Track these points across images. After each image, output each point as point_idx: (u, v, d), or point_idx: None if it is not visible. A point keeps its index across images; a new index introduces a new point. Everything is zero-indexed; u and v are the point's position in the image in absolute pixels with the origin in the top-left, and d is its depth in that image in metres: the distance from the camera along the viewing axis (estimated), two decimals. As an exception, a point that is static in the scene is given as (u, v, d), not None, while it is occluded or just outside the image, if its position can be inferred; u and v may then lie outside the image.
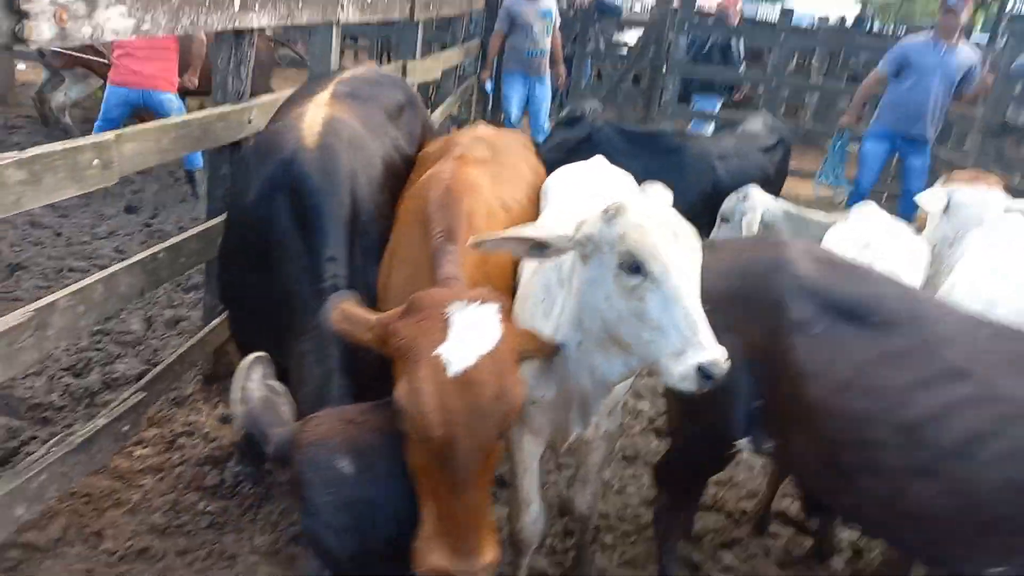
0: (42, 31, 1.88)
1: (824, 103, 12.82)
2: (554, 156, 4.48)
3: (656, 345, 1.80)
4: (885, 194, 8.31)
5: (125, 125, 5.93)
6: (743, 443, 2.33)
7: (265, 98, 3.63)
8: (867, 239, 3.24)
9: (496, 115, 9.99)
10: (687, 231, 1.89)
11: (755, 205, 3.82)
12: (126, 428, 2.98)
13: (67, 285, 4.53)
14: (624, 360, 1.97)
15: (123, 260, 2.95)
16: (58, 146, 2.21)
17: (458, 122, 9.95)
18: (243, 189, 2.61)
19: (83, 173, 2.32)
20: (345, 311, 1.92)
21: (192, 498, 3.21)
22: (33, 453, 3.09)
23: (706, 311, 1.78)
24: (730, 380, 1.82)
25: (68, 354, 4.07)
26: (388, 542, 1.75)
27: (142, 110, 6.16)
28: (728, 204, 3.98)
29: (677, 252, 1.83)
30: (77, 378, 3.91)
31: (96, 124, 6.04)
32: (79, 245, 5.48)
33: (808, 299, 2.20)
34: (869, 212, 3.47)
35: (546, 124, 8.89)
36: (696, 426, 2.48)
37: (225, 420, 3.74)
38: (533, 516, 2.50)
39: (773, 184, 4.83)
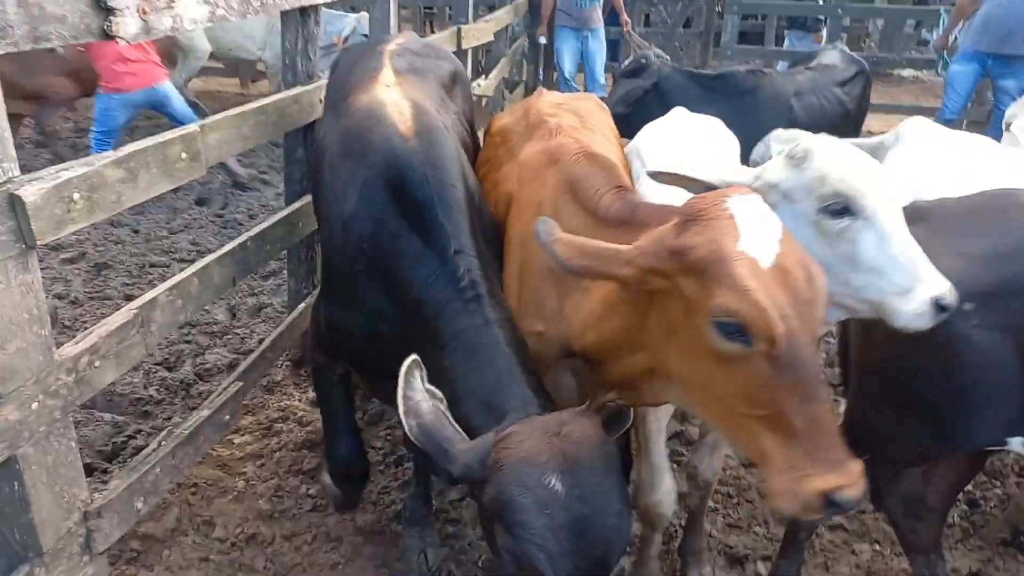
0: (128, 26, 1.86)
1: (890, 29, 12.15)
2: (620, 110, 4.33)
3: (873, 288, 1.72)
4: (964, 122, 7.87)
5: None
6: (1015, 443, 2.06)
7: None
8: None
9: (548, 73, 9.80)
10: (877, 165, 1.82)
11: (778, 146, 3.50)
12: (227, 418, 3.01)
13: (151, 281, 4.63)
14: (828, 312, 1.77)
15: (200, 253, 2.97)
16: (149, 142, 2.21)
17: (510, 85, 9.80)
18: (335, 200, 2.31)
19: (173, 167, 2.31)
20: (581, 245, 1.69)
21: (293, 482, 3.25)
22: (139, 446, 3.16)
23: (970, 310, 1.73)
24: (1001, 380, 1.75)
25: (160, 348, 4.15)
26: (601, 562, 1.60)
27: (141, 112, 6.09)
28: (754, 154, 3.69)
29: (881, 187, 1.75)
30: (171, 371, 3.99)
31: (94, 137, 5.86)
32: (157, 241, 5.58)
33: None
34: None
35: (602, 78, 8.66)
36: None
37: (317, 404, 3.77)
38: (667, 486, 2.42)
39: (853, 119, 4.59)
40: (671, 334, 1.66)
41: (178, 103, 6.00)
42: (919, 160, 2.87)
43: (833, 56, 5.08)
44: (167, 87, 5.97)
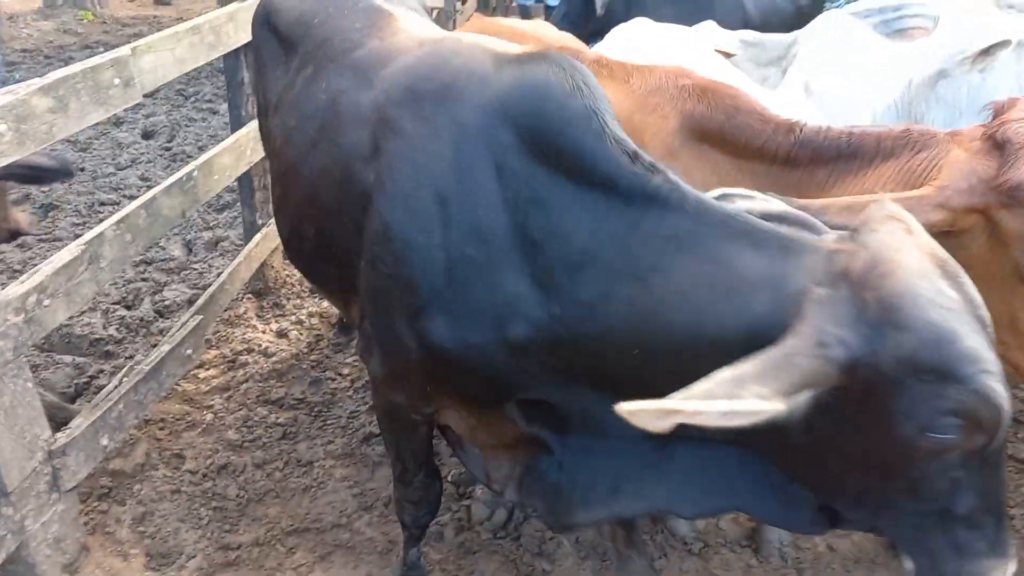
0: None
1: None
2: (569, 27, 4.21)
3: None
4: None
5: None
6: None
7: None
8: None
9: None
10: None
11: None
12: (189, 352, 2.99)
13: (101, 219, 4.50)
14: None
15: (150, 188, 2.88)
16: (77, 68, 2.10)
17: None
18: (410, 175, 1.65)
19: (106, 94, 2.21)
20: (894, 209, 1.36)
21: (262, 412, 3.25)
22: (102, 386, 3.13)
23: None
24: None
25: (117, 288, 4.07)
26: None
27: None
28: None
29: None
30: (130, 310, 3.92)
31: None
32: (104, 178, 5.40)
33: None
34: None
35: None
36: None
37: (281, 334, 3.75)
38: None
39: (808, 17, 4.54)
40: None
41: None
42: (827, 54, 2.86)
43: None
44: None
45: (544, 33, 3.09)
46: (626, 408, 1.11)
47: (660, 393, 1.16)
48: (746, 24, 3.80)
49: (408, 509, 2.24)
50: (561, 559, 2.60)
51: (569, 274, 1.52)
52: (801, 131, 1.90)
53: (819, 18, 3.19)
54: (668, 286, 1.42)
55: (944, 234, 1.54)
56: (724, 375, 1.15)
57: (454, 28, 8.17)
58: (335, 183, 1.84)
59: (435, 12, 7.25)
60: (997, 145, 1.57)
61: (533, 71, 1.59)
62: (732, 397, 1.09)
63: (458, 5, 8.77)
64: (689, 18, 3.57)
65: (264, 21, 2.50)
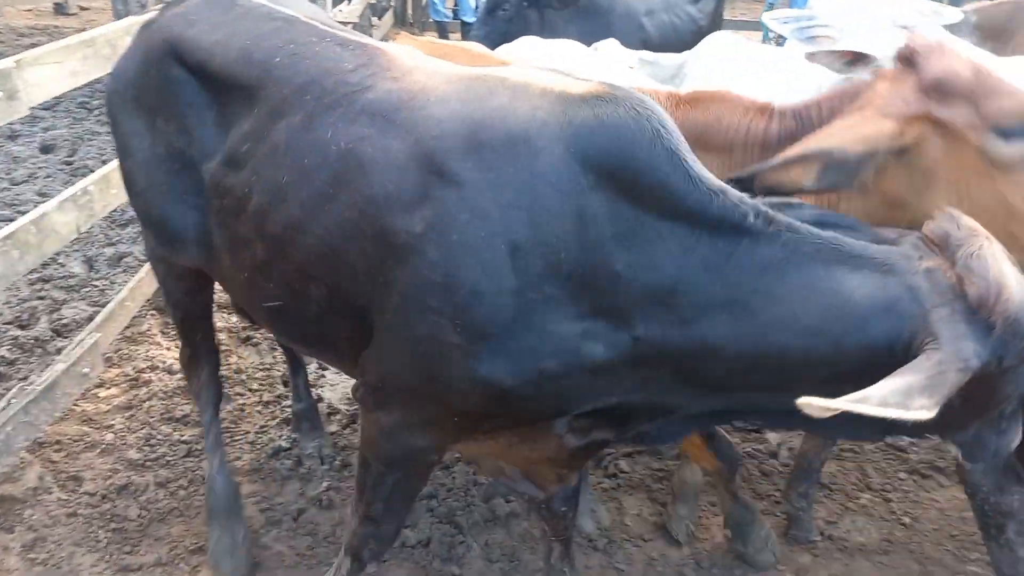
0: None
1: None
2: (490, 47, 4.31)
3: None
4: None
5: None
6: None
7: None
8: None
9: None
10: None
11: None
12: (86, 370, 2.91)
13: (-6, 235, 4.30)
14: None
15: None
16: (-46, 78, 2.04)
17: (378, 11, 9.52)
18: (467, 224, 1.63)
19: (-13, 106, 2.15)
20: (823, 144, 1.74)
21: (166, 430, 3.18)
22: (-7, 408, 3.01)
23: None
24: None
25: (10, 307, 3.91)
26: None
27: None
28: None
29: None
30: (24, 329, 3.77)
31: None
32: (-2, 193, 5.19)
33: None
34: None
35: (473, 2, 8.67)
36: None
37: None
38: None
39: (707, 34, 4.74)
40: (929, 182, 1.74)
41: None
42: (715, 75, 3.00)
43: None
44: None
45: (483, 53, 3.11)
46: (803, 402, 1.29)
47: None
48: (645, 44, 3.96)
49: (371, 546, 2.19)
50: (470, 562, 2.64)
51: (659, 299, 1.62)
52: (771, 113, 2.06)
53: (706, 39, 3.33)
54: (774, 310, 1.58)
55: (909, 156, 1.72)
56: (895, 387, 1.36)
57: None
58: (362, 237, 1.77)
59: (349, 27, 7.19)
60: (910, 61, 1.75)
61: (610, 115, 1.62)
62: (901, 406, 1.32)
63: (374, 20, 8.80)
64: (592, 38, 3.70)
65: (170, 56, 2.11)
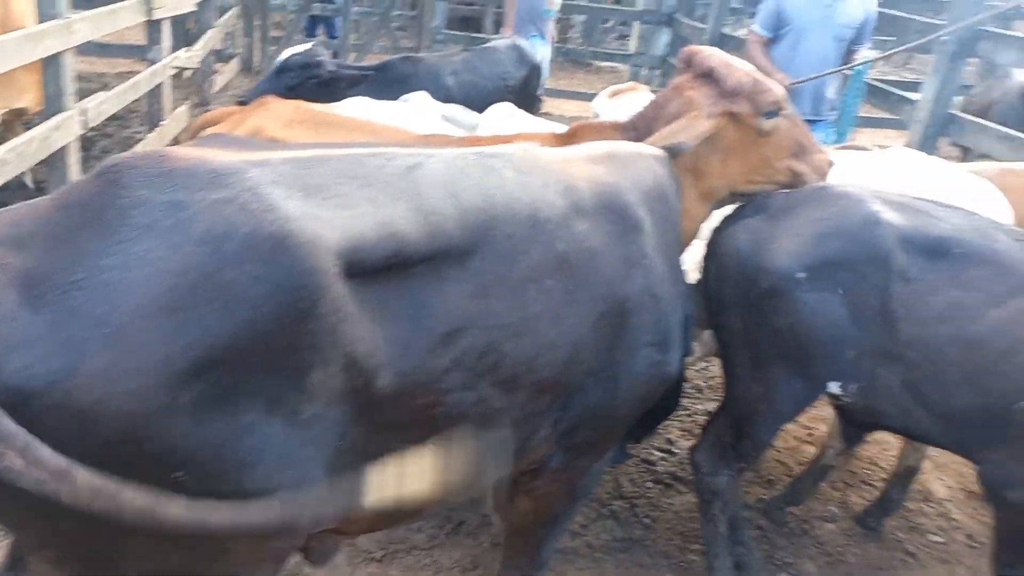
0: None
1: (592, 21, 13.51)
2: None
3: None
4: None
5: None
6: (833, 386, 2.48)
7: None
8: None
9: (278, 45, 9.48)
10: None
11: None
12: None
13: None
14: None
15: None
16: None
17: (223, 57, 9.48)
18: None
19: None
20: (670, 137, 2.51)
21: None
22: None
23: (804, 279, 2.35)
24: (837, 331, 2.37)
25: None
26: None
27: None
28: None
29: None
30: None
31: None
32: None
33: (905, 247, 2.35)
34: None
35: None
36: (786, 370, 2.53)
37: None
38: None
39: (517, 95, 5.13)
40: (727, 156, 2.61)
41: None
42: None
43: (499, 43, 5.66)
44: None
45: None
46: None
47: None
48: (448, 100, 4.29)
49: None
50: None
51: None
52: (623, 127, 2.73)
53: (492, 107, 3.83)
54: None
55: (715, 140, 2.56)
56: None
57: (210, 90, 8.09)
58: None
59: (188, 72, 7.16)
60: (708, 76, 2.60)
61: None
62: None
63: (217, 66, 8.74)
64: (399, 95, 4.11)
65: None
